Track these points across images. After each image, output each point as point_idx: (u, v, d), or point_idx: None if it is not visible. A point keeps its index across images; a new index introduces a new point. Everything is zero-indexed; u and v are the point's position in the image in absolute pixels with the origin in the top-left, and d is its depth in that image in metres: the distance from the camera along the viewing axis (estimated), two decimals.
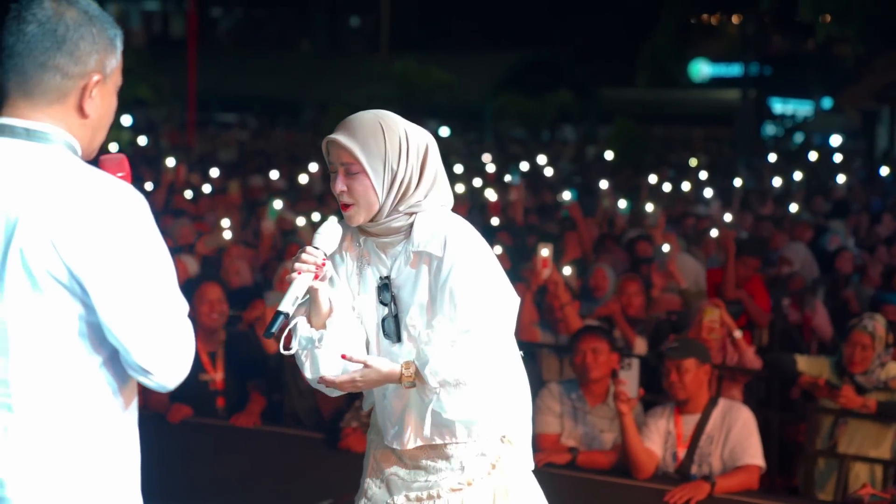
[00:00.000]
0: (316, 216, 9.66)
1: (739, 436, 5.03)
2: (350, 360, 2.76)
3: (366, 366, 2.76)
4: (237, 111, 34.05)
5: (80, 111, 2.20)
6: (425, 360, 2.74)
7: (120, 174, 2.27)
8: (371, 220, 2.83)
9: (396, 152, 2.77)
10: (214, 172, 14.05)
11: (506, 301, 2.81)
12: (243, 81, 31.97)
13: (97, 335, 2.15)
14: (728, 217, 10.49)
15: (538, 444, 5.31)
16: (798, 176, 15.90)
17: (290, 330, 2.81)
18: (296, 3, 40.13)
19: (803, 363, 5.77)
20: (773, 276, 8.88)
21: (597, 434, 5.32)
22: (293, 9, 40.99)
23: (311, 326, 2.84)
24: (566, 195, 11.30)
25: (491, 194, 11.41)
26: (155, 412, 5.40)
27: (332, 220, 2.85)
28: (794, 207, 12.21)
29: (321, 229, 2.81)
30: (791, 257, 9.52)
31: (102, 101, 2.23)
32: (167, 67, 27.34)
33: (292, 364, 5.44)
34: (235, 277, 7.50)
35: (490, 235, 9.35)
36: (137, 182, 10.06)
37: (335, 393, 2.89)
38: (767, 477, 5.44)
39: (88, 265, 2.08)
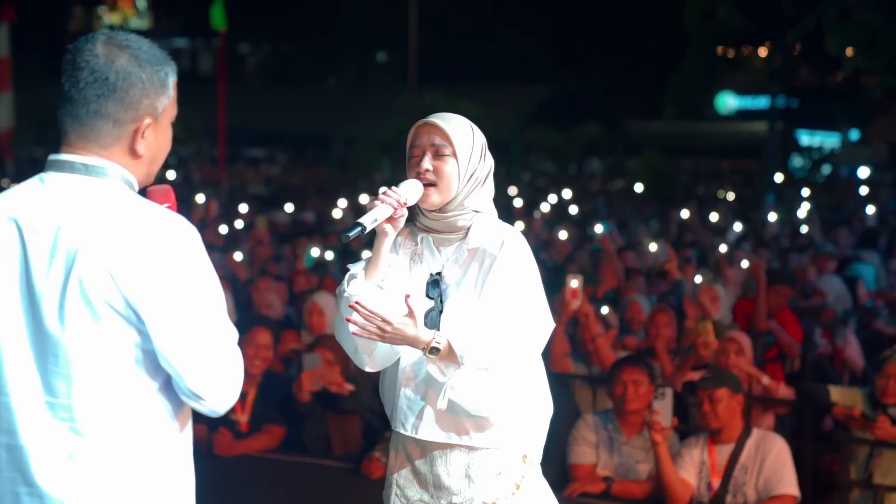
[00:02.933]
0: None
1: (774, 465, 5.03)
2: (407, 303, 2.81)
3: (411, 315, 2.81)
4: (266, 146, 34.35)
5: (133, 153, 2.28)
6: (460, 338, 2.82)
7: (167, 204, 2.35)
8: (439, 211, 2.96)
9: (479, 151, 2.98)
10: (244, 208, 14.18)
11: (543, 318, 2.92)
12: (272, 117, 32.28)
13: (153, 362, 2.22)
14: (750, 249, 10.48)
15: (573, 473, 5.33)
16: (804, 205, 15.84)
17: (349, 276, 2.93)
18: (324, 38, 40.51)
19: (836, 394, 5.77)
20: (804, 307, 8.88)
21: (632, 465, 5.33)
22: (321, 44, 41.39)
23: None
24: (598, 228, 11.33)
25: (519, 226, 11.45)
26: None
27: (414, 179, 2.95)
28: (807, 229, 12.12)
29: (404, 182, 2.95)
30: (824, 288, 9.51)
31: (156, 138, 2.31)
32: (197, 104, 27.61)
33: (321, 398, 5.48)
34: (267, 311, 7.57)
35: None
36: None
37: (348, 336, 2.89)
38: None
39: (144, 295, 2.16)
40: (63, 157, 2.26)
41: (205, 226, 12.03)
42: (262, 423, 5.52)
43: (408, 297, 2.83)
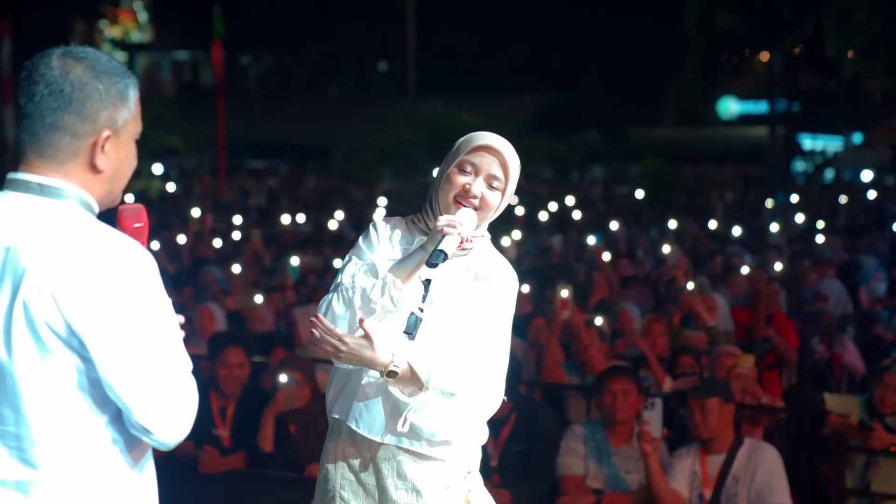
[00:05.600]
0: (338, 263, 9.68)
1: (766, 476, 4.97)
2: (363, 326, 2.74)
3: (368, 338, 2.73)
4: (267, 157, 34.39)
5: (93, 167, 2.20)
6: (425, 361, 2.76)
7: (137, 224, 2.28)
8: None
9: (514, 188, 2.93)
10: (238, 220, 14.15)
11: (506, 357, 2.92)
12: (273, 128, 32.34)
13: (102, 392, 2.14)
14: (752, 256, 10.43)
15: (562, 486, 5.27)
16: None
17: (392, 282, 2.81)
18: (324, 49, 40.57)
19: (832, 402, 5.70)
20: (805, 313, 8.81)
21: (622, 476, 5.27)
22: (322, 55, 41.45)
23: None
24: (591, 240, 11.30)
25: (516, 235, 11.41)
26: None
27: (470, 210, 2.85)
28: (819, 239, 12.09)
29: (463, 212, 2.84)
30: (826, 293, 9.43)
31: (117, 154, 2.22)
32: (198, 116, 27.71)
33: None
34: (259, 324, 7.52)
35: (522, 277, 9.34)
36: (166, 230, 10.13)
37: (315, 345, 2.81)
38: None
39: (87, 320, 2.08)
40: (20, 176, 2.19)
41: (200, 239, 12.01)
42: (244, 438, 5.48)
43: (362, 320, 2.75)
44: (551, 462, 5.32)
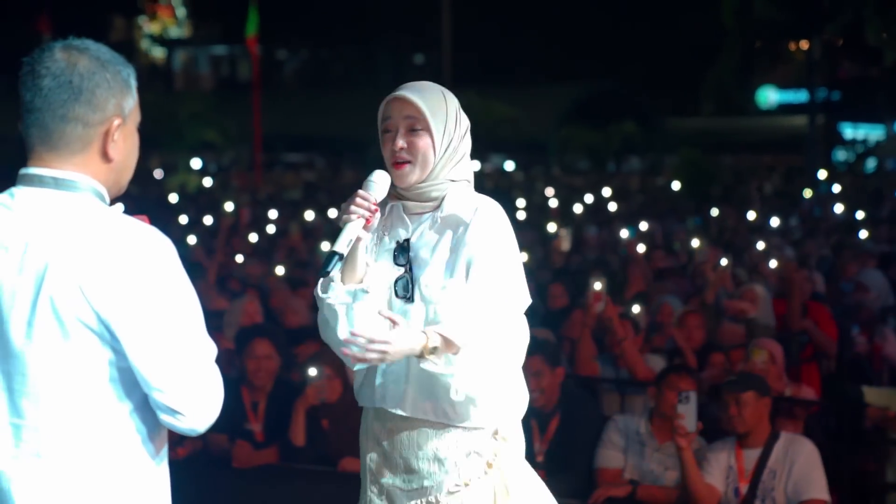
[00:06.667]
0: None
1: (803, 470, 4.90)
2: (388, 316, 2.70)
3: (396, 324, 2.69)
4: (304, 151, 34.47)
5: (105, 156, 2.22)
6: (452, 326, 2.72)
7: None
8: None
9: (454, 119, 2.89)
10: (273, 214, 14.19)
11: (516, 288, 2.84)
12: (309, 122, 32.36)
13: (127, 382, 2.16)
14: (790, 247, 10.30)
15: (599, 478, 5.24)
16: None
17: (327, 281, 2.83)
18: (360, 42, 40.60)
19: (871, 395, 5.63)
20: (845, 304, 8.70)
21: (660, 472, 5.22)
22: (357, 48, 41.48)
23: (344, 282, 2.84)
24: (624, 233, 11.22)
25: (552, 227, 11.35)
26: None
27: (382, 171, 2.86)
28: (860, 229, 11.94)
29: (373, 177, 2.84)
30: (867, 284, 9.30)
31: (125, 143, 2.25)
32: (235, 110, 27.77)
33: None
34: (293, 317, 7.52)
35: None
36: (199, 226, 10.08)
37: (356, 364, 2.78)
38: None
39: (116, 309, 2.10)
40: (32, 170, 2.20)
41: (236, 233, 12.04)
42: (277, 433, 5.47)
43: (369, 221, 2.74)
44: (591, 454, 5.28)
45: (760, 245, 10.40)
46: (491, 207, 2.85)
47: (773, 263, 8.74)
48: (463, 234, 2.82)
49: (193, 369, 2.14)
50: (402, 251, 2.87)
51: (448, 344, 2.72)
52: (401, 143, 2.85)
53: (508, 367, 2.87)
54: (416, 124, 2.85)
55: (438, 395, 2.79)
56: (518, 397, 2.93)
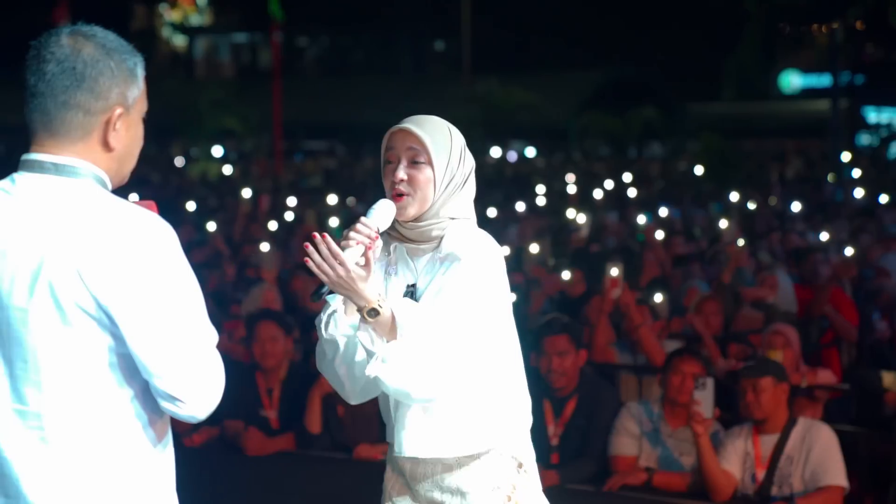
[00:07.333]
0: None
1: (821, 456, 4.87)
2: (366, 255, 2.65)
3: (367, 267, 2.64)
4: (325, 138, 34.47)
5: (106, 145, 2.21)
6: (411, 319, 2.67)
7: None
8: (415, 220, 2.83)
9: (458, 154, 2.84)
10: (292, 201, 14.20)
11: (482, 336, 2.74)
12: (330, 109, 32.35)
13: (127, 368, 2.15)
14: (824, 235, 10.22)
15: (614, 466, 5.22)
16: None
17: (329, 315, 2.78)
18: (380, 29, 40.54)
19: (890, 380, 5.58)
20: (866, 289, 8.64)
21: (676, 458, 5.20)
22: (377, 35, 41.43)
23: (346, 314, 2.79)
24: (641, 219, 11.17)
25: (571, 213, 11.31)
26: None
27: (387, 200, 2.81)
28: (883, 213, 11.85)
29: (376, 206, 2.79)
30: (889, 269, 9.23)
31: (128, 132, 2.24)
32: (256, 98, 27.80)
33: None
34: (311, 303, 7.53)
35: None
36: (221, 212, 10.12)
37: (332, 371, 2.79)
38: (857, 497, 5.25)
39: (115, 294, 2.10)
40: (33, 156, 2.20)
41: (255, 220, 12.06)
42: (292, 420, 5.48)
43: (369, 248, 2.67)
44: (606, 441, 5.27)
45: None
46: (485, 247, 2.79)
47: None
48: (447, 273, 2.76)
49: (193, 356, 2.13)
50: (410, 297, 2.81)
51: (391, 327, 2.66)
52: (401, 174, 2.79)
53: (497, 383, 2.82)
54: (419, 157, 2.80)
55: (434, 428, 2.76)
56: (517, 410, 2.89)
